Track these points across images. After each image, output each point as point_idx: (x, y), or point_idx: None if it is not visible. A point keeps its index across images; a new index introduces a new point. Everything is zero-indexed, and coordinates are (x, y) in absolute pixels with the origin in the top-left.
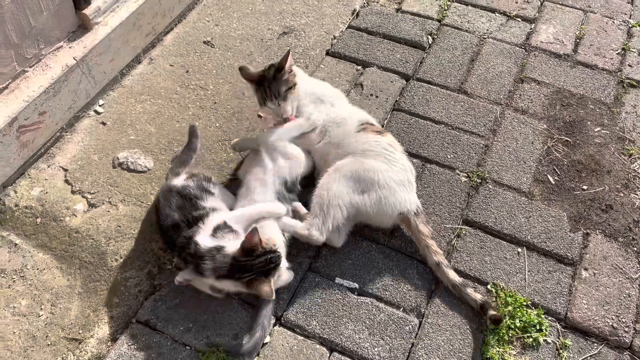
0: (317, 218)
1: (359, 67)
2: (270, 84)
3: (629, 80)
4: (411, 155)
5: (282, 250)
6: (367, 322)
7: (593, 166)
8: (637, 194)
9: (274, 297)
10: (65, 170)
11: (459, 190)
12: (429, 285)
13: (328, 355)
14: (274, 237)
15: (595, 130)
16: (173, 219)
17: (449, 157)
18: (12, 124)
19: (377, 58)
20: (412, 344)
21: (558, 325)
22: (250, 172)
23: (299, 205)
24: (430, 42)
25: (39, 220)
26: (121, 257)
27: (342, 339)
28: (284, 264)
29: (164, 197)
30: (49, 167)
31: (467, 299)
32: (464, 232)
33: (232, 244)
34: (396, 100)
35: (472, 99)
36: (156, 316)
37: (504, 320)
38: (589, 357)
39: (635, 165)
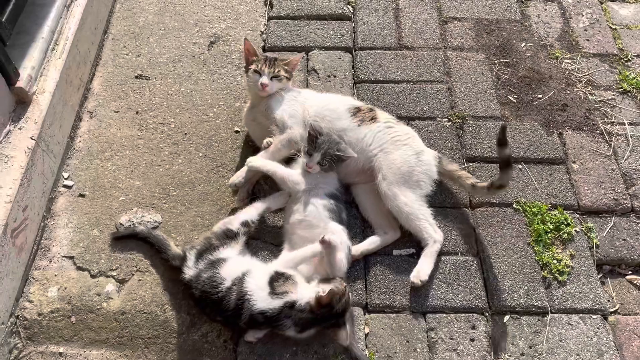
0: (423, 231)
1: (302, 54)
2: (271, 61)
3: None
4: None
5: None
6: (440, 277)
7: (536, 76)
8: (578, 87)
9: (348, 343)
10: (71, 257)
11: (449, 135)
12: (469, 224)
13: (424, 319)
14: (336, 234)
15: (522, 45)
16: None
17: (425, 109)
18: (6, 231)
19: (314, 40)
20: (484, 279)
21: (577, 215)
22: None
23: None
24: (352, 11)
25: (73, 319)
26: (187, 316)
27: (428, 300)
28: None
29: (194, 295)
30: (50, 262)
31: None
32: (471, 168)
33: (300, 295)
34: (353, 74)
35: (415, 51)
36: (258, 355)
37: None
38: (609, 230)
39: (565, 65)
